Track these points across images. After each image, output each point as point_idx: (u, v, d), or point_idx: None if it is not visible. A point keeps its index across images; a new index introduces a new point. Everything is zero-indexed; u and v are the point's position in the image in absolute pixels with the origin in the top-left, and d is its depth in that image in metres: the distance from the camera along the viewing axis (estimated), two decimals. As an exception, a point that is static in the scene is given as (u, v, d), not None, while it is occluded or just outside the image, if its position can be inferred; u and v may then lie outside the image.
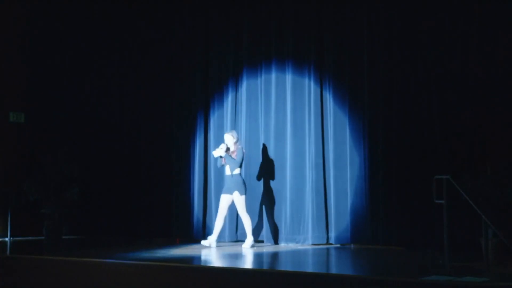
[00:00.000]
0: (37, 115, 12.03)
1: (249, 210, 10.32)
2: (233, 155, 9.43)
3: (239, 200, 9.39)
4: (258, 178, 10.23)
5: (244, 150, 9.66)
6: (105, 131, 12.03)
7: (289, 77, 10.19)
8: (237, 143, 9.56)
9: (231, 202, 9.51)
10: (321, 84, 9.99)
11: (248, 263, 8.27)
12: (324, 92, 9.96)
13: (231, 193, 9.42)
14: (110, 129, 12.01)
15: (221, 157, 9.49)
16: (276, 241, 10.04)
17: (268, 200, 10.16)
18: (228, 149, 9.48)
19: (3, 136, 11.56)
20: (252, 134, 10.44)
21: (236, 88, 10.68)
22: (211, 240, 9.45)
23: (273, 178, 10.15)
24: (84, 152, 11.89)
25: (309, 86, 10.03)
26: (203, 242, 9.54)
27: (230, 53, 10.78)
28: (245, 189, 9.48)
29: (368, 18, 9.64)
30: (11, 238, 10.90)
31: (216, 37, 10.98)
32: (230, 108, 10.68)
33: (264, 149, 10.27)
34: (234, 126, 10.52)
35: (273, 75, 10.31)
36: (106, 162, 11.96)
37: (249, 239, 9.43)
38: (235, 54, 10.73)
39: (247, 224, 9.44)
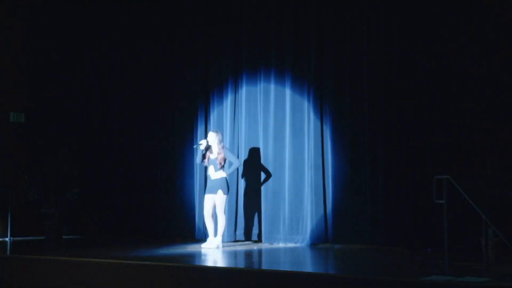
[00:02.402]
0: (37, 115, 12.03)
1: (246, 209, 10.36)
2: (219, 157, 9.33)
3: (221, 199, 9.30)
4: (257, 178, 10.23)
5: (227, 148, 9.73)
6: (105, 131, 12.03)
7: (288, 79, 10.18)
8: (221, 144, 9.40)
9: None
10: (321, 84, 9.99)
11: (247, 263, 8.27)
12: (323, 92, 9.96)
13: (215, 192, 9.32)
14: (110, 129, 12.01)
15: (199, 147, 9.38)
16: (274, 241, 10.03)
17: (266, 200, 10.16)
18: (209, 146, 9.43)
19: (3, 136, 11.56)
20: (252, 134, 10.43)
21: (236, 89, 10.66)
22: (215, 241, 9.35)
23: (272, 179, 10.15)
24: (84, 152, 11.90)
25: (309, 86, 10.02)
26: (204, 245, 9.45)
27: (229, 59, 10.77)
28: (228, 189, 9.41)
29: (368, 23, 9.62)
30: (11, 238, 10.90)
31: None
32: (230, 110, 10.67)
33: (263, 149, 10.27)
34: (233, 127, 10.54)
35: (272, 77, 10.30)
36: (106, 162, 11.96)
37: (218, 239, 9.32)
38: (234, 61, 10.72)
39: (221, 224, 9.33)
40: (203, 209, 9.54)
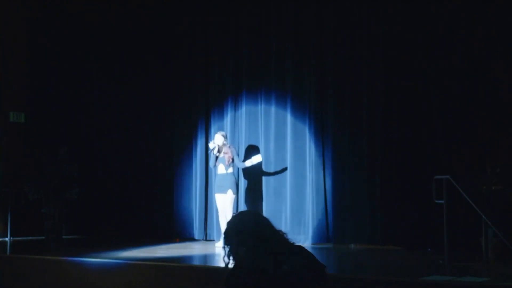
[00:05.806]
0: (37, 115, 12.03)
1: (248, 209, 10.36)
2: (226, 157, 9.43)
3: (230, 199, 9.40)
4: (259, 179, 10.23)
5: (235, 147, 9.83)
6: (105, 131, 12.03)
7: (289, 80, 10.19)
8: (227, 145, 9.57)
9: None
10: (320, 85, 9.98)
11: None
12: (323, 92, 9.96)
13: (225, 192, 9.41)
14: (110, 129, 12.00)
15: (213, 152, 9.51)
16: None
17: (268, 200, 10.16)
18: (219, 150, 9.51)
19: (3, 136, 11.55)
20: (252, 135, 10.43)
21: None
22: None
23: (273, 179, 10.15)
24: (84, 152, 11.89)
25: (309, 87, 10.03)
26: (218, 244, 9.50)
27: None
28: (237, 188, 9.58)
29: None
30: (11, 238, 10.90)
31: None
32: (230, 109, 10.68)
33: (264, 150, 10.27)
34: (234, 124, 10.56)
35: (273, 80, 10.30)
36: (106, 162, 11.96)
37: None
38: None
39: None
40: (217, 209, 9.67)
